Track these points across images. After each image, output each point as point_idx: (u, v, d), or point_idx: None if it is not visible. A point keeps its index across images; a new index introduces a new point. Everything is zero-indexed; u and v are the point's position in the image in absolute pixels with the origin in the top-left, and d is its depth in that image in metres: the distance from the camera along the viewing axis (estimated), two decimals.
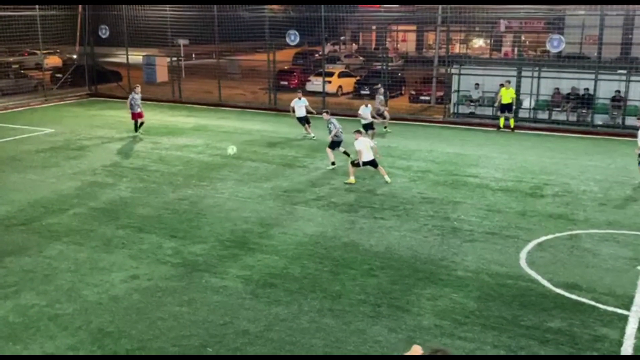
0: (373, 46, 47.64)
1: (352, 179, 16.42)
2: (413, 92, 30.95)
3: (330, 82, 31.17)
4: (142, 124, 22.45)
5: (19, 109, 28.78)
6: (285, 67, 35.20)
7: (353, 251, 11.89)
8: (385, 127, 23.31)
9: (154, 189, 15.91)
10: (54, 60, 35.74)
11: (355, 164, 16.44)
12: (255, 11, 29.87)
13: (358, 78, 33.66)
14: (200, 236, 12.64)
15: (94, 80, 33.33)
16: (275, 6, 33.96)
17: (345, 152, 18.24)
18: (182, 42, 33.60)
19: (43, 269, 10.94)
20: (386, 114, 23.50)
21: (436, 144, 21.35)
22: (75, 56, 35.47)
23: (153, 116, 26.85)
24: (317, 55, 39.36)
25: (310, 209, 14.41)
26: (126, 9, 31.45)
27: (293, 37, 28.54)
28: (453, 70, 26.99)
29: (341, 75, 33.65)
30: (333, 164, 17.91)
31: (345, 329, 9.01)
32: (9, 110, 28.25)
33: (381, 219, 13.70)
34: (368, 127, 21.04)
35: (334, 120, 18.32)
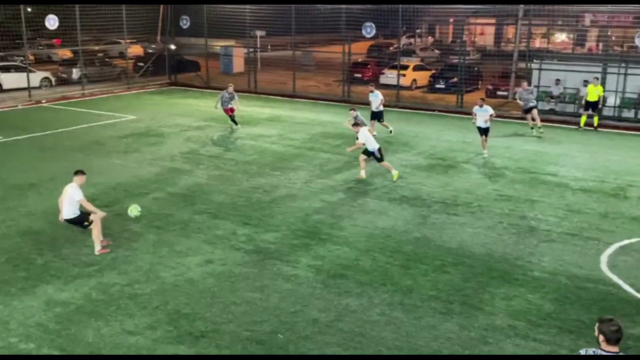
0: (450, 39, 46.78)
1: (363, 173, 15.99)
2: (490, 87, 30.22)
3: (404, 75, 30.86)
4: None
5: (104, 95, 30.03)
6: (359, 60, 35.10)
7: (425, 246, 11.77)
8: (531, 128, 21.79)
9: (229, 176, 16.25)
10: (136, 50, 37.02)
11: (377, 159, 15.95)
12: (331, 3, 29.90)
13: (433, 72, 33.17)
14: (272, 224, 12.83)
15: (174, 70, 34.34)
16: None
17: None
18: (259, 33, 34.06)
19: (124, 249, 11.39)
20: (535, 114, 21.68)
21: (513, 140, 20.79)
22: (154, 45, 36.56)
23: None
24: (392, 47, 39.03)
25: (382, 202, 14.35)
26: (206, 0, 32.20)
27: (369, 30, 28.42)
28: (533, 65, 26.16)
29: (416, 68, 33.26)
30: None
31: (416, 324, 8.94)
32: (95, 97, 29.52)
33: (454, 215, 13.49)
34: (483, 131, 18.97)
35: (360, 117, 18.19)
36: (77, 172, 11.25)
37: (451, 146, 20.03)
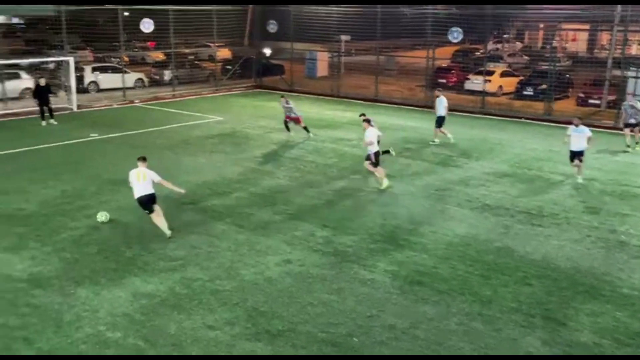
0: (540, 45, 45.33)
1: (386, 181, 15.51)
2: (581, 95, 29.04)
3: (490, 81, 30.17)
4: (304, 127, 21.57)
5: (193, 96, 31.10)
6: (444, 65, 34.63)
7: (506, 257, 11.46)
8: (628, 145, 20.31)
9: (309, 178, 16.44)
10: (224, 53, 38.10)
11: (372, 163, 15.49)
12: (417, 8, 29.67)
13: (521, 78, 32.24)
14: (351, 228, 12.87)
15: (260, 73, 35.11)
16: (438, 3, 33.46)
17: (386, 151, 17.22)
18: (343, 38, 34.27)
19: (207, 246, 11.76)
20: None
21: (604, 151, 19.88)
22: (247, 49, 37.46)
23: (311, 109, 27.73)
24: (478, 53, 38.26)
25: (463, 209, 14.10)
26: (295, 5, 32.71)
27: (456, 35, 27.99)
28: (629, 73, 24.91)
29: (503, 74, 32.44)
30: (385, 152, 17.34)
31: (496, 336, 8.72)
32: (184, 98, 30.63)
33: (539, 226, 13.06)
34: None
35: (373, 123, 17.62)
36: (144, 158, 12.19)
37: (537, 155, 19.40)
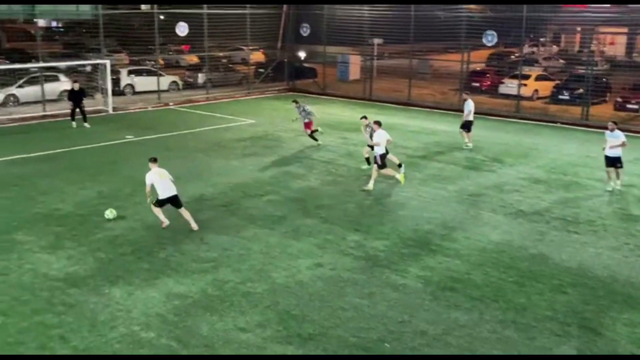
0: (576, 49, 44.51)
1: (398, 175, 16.00)
2: (619, 100, 28.42)
3: (525, 85, 29.75)
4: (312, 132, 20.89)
5: (226, 99, 31.37)
6: (478, 68, 34.27)
7: (541, 264, 11.27)
8: None
9: (340, 182, 16.41)
10: (257, 56, 38.35)
11: (380, 166, 15.60)
12: (451, 11, 29.42)
13: (557, 82, 31.70)
14: (382, 232, 12.81)
15: (292, 76, 35.23)
16: (472, 6, 33.14)
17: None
18: (376, 41, 34.16)
19: (239, 248, 11.82)
20: None
21: None
22: (281, 52, 37.66)
23: (343, 112, 27.74)
24: (513, 56, 37.75)
25: (497, 215, 13.91)
26: (327, 8, 32.77)
27: (490, 38, 27.68)
28: None
29: (538, 78, 31.94)
30: (367, 160, 17.45)
31: (529, 344, 8.58)
32: (217, 101, 30.91)
33: (575, 233, 12.81)
34: None
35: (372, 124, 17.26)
36: (155, 159, 12.65)
37: (573, 160, 19.05)
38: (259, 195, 15.17)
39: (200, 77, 33.49)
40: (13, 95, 26.57)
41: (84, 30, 39.56)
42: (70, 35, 42.46)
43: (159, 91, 30.27)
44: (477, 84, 32.06)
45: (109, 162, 18.03)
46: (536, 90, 31.15)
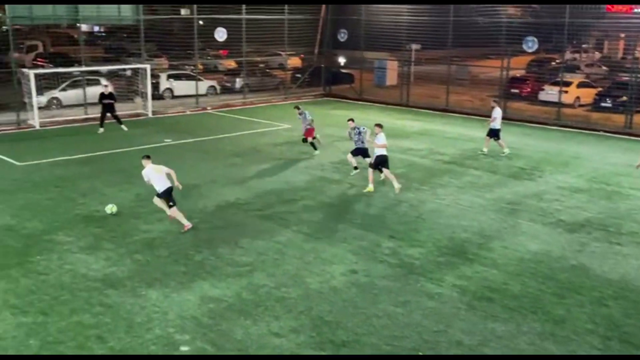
0: (620, 55, 43.49)
1: (370, 187, 15.88)
2: None
3: (567, 92, 29.18)
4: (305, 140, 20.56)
5: (262, 104, 31.57)
6: (518, 75, 33.76)
7: (582, 275, 11.00)
8: None
9: (376, 188, 16.31)
10: (294, 62, 38.50)
11: (371, 166, 15.93)
12: (491, 17, 29.08)
13: (599, 89, 31.01)
14: (418, 240, 12.68)
15: (329, 82, 35.27)
16: (512, 11, 32.71)
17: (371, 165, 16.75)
18: (414, 47, 33.97)
19: (274, 253, 11.85)
20: None
21: None
22: (321, 58, 37.76)
23: (379, 118, 27.55)
24: (554, 63, 37.08)
25: (535, 224, 13.65)
26: (365, 13, 32.75)
27: (531, 44, 27.24)
28: None
29: (580, 85, 31.30)
30: (355, 168, 17.30)
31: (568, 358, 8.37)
32: (254, 105, 31.13)
33: (617, 244, 12.48)
34: None
35: (361, 128, 17.13)
36: (148, 156, 13.13)
37: (616, 170, 18.58)
38: (294, 200, 15.20)
39: (238, 82, 33.79)
40: (56, 98, 27.20)
41: (125, 35, 40.32)
42: (112, 40, 43.37)
43: (197, 95, 30.64)
44: (517, 91, 31.58)
45: None
46: (578, 98, 30.52)
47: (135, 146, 20.87)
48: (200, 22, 31.25)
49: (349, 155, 17.32)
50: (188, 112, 28.71)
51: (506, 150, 20.24)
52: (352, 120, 17.37)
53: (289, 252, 11.93)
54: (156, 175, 12.84)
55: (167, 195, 12.89)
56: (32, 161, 18.61)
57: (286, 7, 32.26)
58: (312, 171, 17.97)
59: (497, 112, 20.15)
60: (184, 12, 33.37)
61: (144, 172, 12.89)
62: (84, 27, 34.48)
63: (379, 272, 11.05)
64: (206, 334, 8.90)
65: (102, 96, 23.17)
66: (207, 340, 8.74)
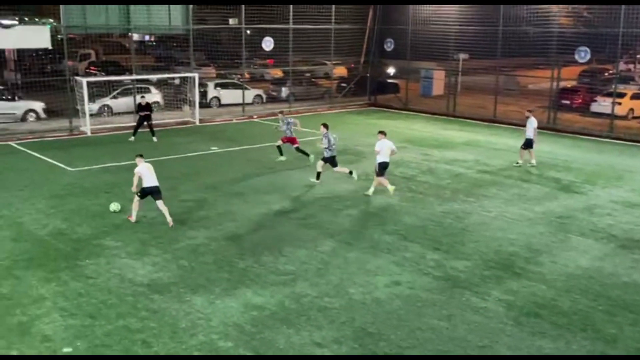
0: None
1: (390, 187, 16.12)
2: None
3: (620, 103, 28.34)
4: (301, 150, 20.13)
5: (307, 113, 31.67)
6: (568, 85, 32.99)
7: (635, 293, 10.62)
8: None
9: (421, 199, 16.15)
10: (340, 71, 38.56)
11: (377, 174, 16.12)
12: (541, 26, 28.53)
13: None
14: (463, 252, 12.47)
15: (374, 91, 35.19)
16: (564, 21, 32.01)
17: (350, 172, 17.45)
18: (462, 56, 33.60)
19: (317, 262, 11.82)
20: None
21: None
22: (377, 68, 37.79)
23: (425, 128, 27.41)
24: (607, 74, 36.11)
25: (586, 239, 13.26)
26: (412, 22, 32.60)
27: (583, 54, 26.61)
28: None
29: (634, 97, 30.37)
30: (318, 178, 17.37)
31: None
32: (299, 114, 31.20)
33: None
34: None
35: (330, 134, 16.95)
36: (141, 155, 14.03)
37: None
38: (338, 209, 15.16)
39: (284, 91, 34.03)
40: (107, 105, 27.92)
41: (175, 44, 41.10)
42: (162, 49, 44.30)
43: (243, 104, 30.98)
44: (568, 102, 30.87)
45: (194, 173, 18.56)
46: (631, 110, 29.64)
47: (182, 154, 21.22)
48: (248, 32, 31.64)
49: (319, 163, 17.46)
50: (235, 121, 29.04)
51: (533, 162, 19.87)
52: (325, 126, 17.33)
53: (332, 261, 11.89)
54: (148, 173, 13.68)
55: (156, 193, 13.73)
56: (83, 167, 19.11)
57: (333, 16, 32.38)
58: (357, 180, 17.88)
59: (532, 122, 19.75)
60: (232, 21, 33.84)
61: (137, 170, 13.69)
62: (135, 36, 35.28)
63: (423, 285, 10.90)
64: (249, 341, 8.92)
65: (140, 107, 23.49)
66: (250, 348, 8.76)
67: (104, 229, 13.49)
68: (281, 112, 21.55)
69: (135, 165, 13.87)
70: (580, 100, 31.15)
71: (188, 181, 17.55)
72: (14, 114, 26.33)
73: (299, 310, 9.88)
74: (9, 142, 22.92)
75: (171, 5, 27.55)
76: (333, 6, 32.26)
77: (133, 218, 13.89)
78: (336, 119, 29.86)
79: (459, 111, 31.04)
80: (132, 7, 26.31)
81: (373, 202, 15.83)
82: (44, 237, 12.96)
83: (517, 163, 20.01)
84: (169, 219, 13.68)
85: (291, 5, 30.64)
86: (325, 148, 17.07)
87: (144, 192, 13.73)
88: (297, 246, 12.60)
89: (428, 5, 32.43)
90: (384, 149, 16.02)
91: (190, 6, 28.12)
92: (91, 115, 25.30)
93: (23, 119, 26.51)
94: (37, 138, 23.80)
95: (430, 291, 10.65)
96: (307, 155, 19.92)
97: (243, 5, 29.48)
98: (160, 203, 13.72)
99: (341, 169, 17.52)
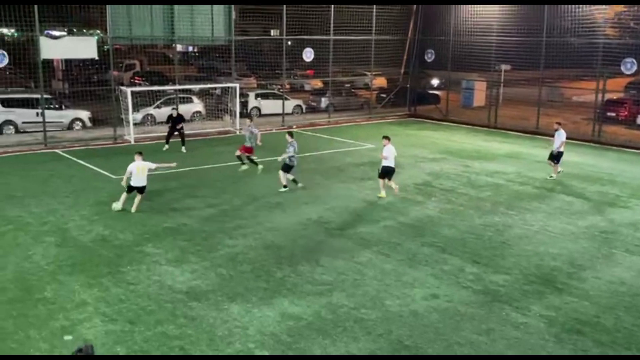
0: None
1: (382, 193, 17.00)
2: None
3: None
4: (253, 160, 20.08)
5: (347, 124, 31.74)
6: (614, 97, 32.23)
7: None
8: None
9: (460, 211, 15.97)
10: (380, 81, 38.55)
11: (380, 176, 16.98)
12: (586, 37, 27.99)
13: None
14: (503, 266, 12.27)
15: (414, 102, 35.04)
16: (610, 32, 31.32)
17: (294, 180, 17.64)
18: (504, 67, 33.20)
19: (354, 273, 11.79)
20: None
21: None
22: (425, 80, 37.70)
23: (465, 139, 27.13)
24: None
25: (632, 255, 12.90)
26: (453, 34, 32.40)
27: (629, 66, 26.00)
28: None
29: None
30: (285, 187, 17.52)
31: None
32: (338, 125, 31.34)
33: None
34: None
35: (295, 144, 17.17)
36: (140, 152, 15.68)
37: None
38: (376, 220, 15.10)
39: (323, 101, 34.17)
40: (150, 115, 28.49)
41: (217, 55, 41.75)
42: (204, 60, 45.04)
43: (283, 114, 31.21)
44: (614, 114, 30.17)
45: (233, 181, 18.75)
46: None
47: (222, 162, 21.47)
48: (289, 43, 31.91)
49: (281, 172, 17.57)
50: (274, 131, 29.25)
51: (554, 176, 19.49)
52: (291, 134, 17.85)
53: (369, 272, 11.84)
54: (136, 172, 15.08)
55: (140, 190, 15.25)
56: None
57: (374, 27, 32.42)
58: (394, 192, 17.79)
59: (561, 135, 19.36)
60: (273, 33, 34.22)
61: (129, 167, 15.13)
62: (179, 47, 35.96)
63: (462, 298, 10.76)
64: (285, 351, 8.94)
65: (172, 120, 23.42)
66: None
67: (145, 236, 13.73)
68: (250, 119, 21.29)
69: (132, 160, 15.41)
70: (626, 113, 30.42)
71: (228, 189, 17.75)
72: (61, 122, 27.11)
73: (335, 320, 9.86)
74: (56, 150, 23.58)
75: (214, 17, 28.02)
76: (374, 17, 32.31)
77: (120, 206, 15.34)
78: (375, 130, 29.80)
79: (500, 123, 30.63)
80: (176, 18, 26.86)
81: (411, 213, 15.73)
82: (87, 243, 13.27)
83: (551, 176, 19.62)
84: (134, 208, 15.24)
85: (332, 17, 30.81)
86: (290, 157, 17.33)
87: (130, 188, 15.25)
88: (334, 256, 12.60)
89: (470, 16, 32.19)
90: (390, 155, 16.75)
91: (233, 17, 28.55)
92: (135, 124, 25.84)
93: (69, 127, 27.28)
94: (83, 146, 24.42)
95: (468, 305, 10.51)
96: (257, 165, 19.84)
97: (284, 17, 29.77)
98: (139, 197, 15.32)
99: (284, 177, 17.55)
